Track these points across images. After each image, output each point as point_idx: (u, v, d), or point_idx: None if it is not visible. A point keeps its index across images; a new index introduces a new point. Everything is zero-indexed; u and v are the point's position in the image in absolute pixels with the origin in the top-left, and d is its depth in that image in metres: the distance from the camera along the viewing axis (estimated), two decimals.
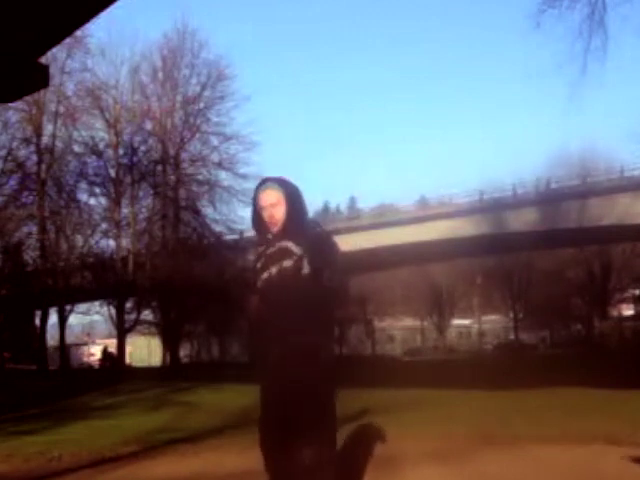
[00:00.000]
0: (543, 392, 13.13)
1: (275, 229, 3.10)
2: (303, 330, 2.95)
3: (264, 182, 3.18)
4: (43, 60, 6.66)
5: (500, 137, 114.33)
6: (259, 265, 3.15)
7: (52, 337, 43.18)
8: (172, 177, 35.81)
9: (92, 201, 35.02)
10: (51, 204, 33.70)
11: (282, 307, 2.96)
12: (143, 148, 35.24)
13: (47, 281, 32.91)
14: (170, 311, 36.41)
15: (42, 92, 26.91)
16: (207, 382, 20.13)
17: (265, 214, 3.10)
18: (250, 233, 35.06)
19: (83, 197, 34.83)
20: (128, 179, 34.31)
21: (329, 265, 3.04)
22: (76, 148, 34.35)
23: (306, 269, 2.99)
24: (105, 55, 33.84)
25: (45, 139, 33.66)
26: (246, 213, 35.54)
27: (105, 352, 47.32)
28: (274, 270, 3.03)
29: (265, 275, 3.06)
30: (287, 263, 3.00)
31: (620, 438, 6.44)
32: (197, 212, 35.83)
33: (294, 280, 2.98)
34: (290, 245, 3.03)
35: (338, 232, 37.34)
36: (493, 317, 67.66)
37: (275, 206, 3.09)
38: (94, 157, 34.32)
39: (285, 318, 2.95)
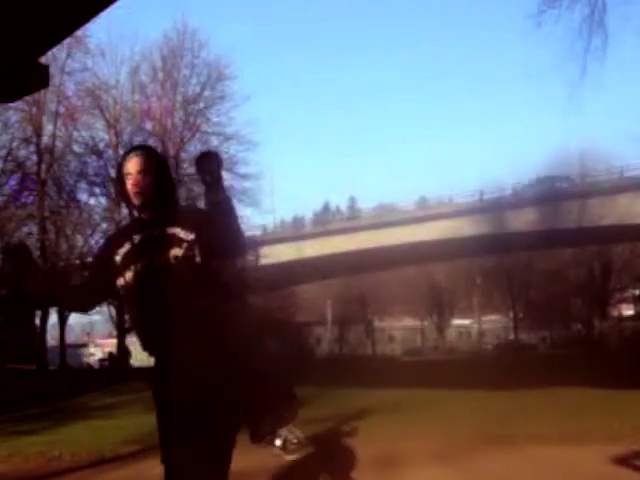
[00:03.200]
0: (543, 392, 13.12)
1: (140, 200, 2.69)
2: (204, 321, 2.56)
3: (132, 150, 2.84)
4: (43, 60, 6.68)
5: (500, 137, 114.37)
6: (124, 251, 2.68)
7: (52, 337, 43.19)
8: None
9: (92, 201, 35.06)
10: (51, 204, 33.71)
11: (176, 300, 2.54)
12: None
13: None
14: None
15: (42, 92, 26.90)
16: None
17: (129, 182, 2.70)
18: (250, 233, 35.12)
19: (83, 197, 34.88)
20: None
21: (224, 251, 2.67)
22: (76, 148, 34.39)
23: (198, 257, 2.61)
24: (105, 55, 33.87)
25: (45, 139, 33.67)
26: (246, 213, 35.59)
27: (110, 355, 47.31)
28: (158, 260, 2.60)
29: (141, 264, 2.62)
30: (176, 252, 2.60)
31: (620, 438, 6.43)
32: None
33: (187, 270, 2.59)
34: (178, 231, 2.63)
35: (338, 232, 37.54)
36: (493, 317, 67.65)
37: (142, 173, 2.70)
38: (94, 157, 34.34)
39: (182, 310, 2.54)
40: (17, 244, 2.87)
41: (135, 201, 2.71)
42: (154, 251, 2.63)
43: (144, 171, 2.71)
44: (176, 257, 2.60)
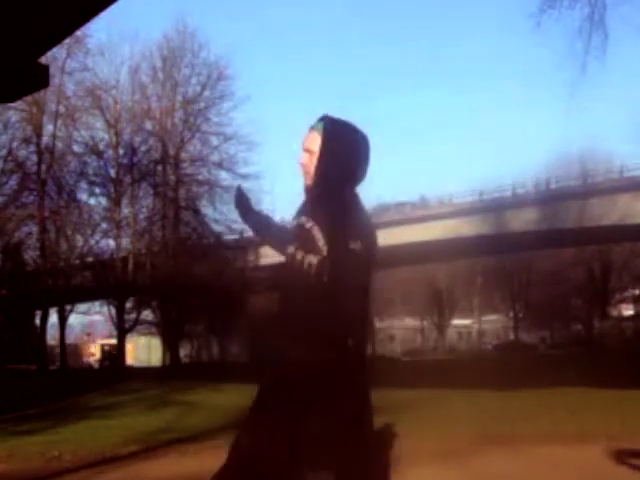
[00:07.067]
0: (543, 392, 13.13)
1: (307, 181, 2.43)
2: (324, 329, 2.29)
3: (317, 120, 2.46)
4: (43, 60, 6.67)
5: (500, 137, 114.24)
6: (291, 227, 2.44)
7: (52, 337, 43.19)
8: (172, 177, 35.84)
9: (92, 201, 35.15)
10: (51, 204, 33.73)
11: (300, 301, 2.33)
12: (143, 148, 35.30)
13: (47, 281, 32.93)
14: (170, 311, 36.47)
15: (42, 92, 26.91)
16: (207, 382, 20.11)
17: (301, 156, 2.44)
18: (250, 233, 35.10)
19: (83, 197, 34.96)
20: (128, 179, 34.34)
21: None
22: (76, 148, 34.47)
23: (325, 278, 2.30)
24: (105, 55, 33.96)
25: (45, 139, 33.72)
26: None
27: (108, 352, 47.36)
28: (301, 257, 2.32)
29: (291, 250, 2.36)
30: (312, 259, 2.30)
31: (620, 438, 6.44)
32: (197, 212, 35.87)
33: (313, 281, 2.31)
34: (316, 232, 2.31)
35: None
36: (493, 317, 67.65)
37: (309, 153, 2.40)
38: (94, 157, 34.39)
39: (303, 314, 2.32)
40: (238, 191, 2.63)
41: (306, 180, 2.44)
42: (300, 244, 2.34)
43: (310, 152, 2.40)
44: (310, 265, 2.30)
